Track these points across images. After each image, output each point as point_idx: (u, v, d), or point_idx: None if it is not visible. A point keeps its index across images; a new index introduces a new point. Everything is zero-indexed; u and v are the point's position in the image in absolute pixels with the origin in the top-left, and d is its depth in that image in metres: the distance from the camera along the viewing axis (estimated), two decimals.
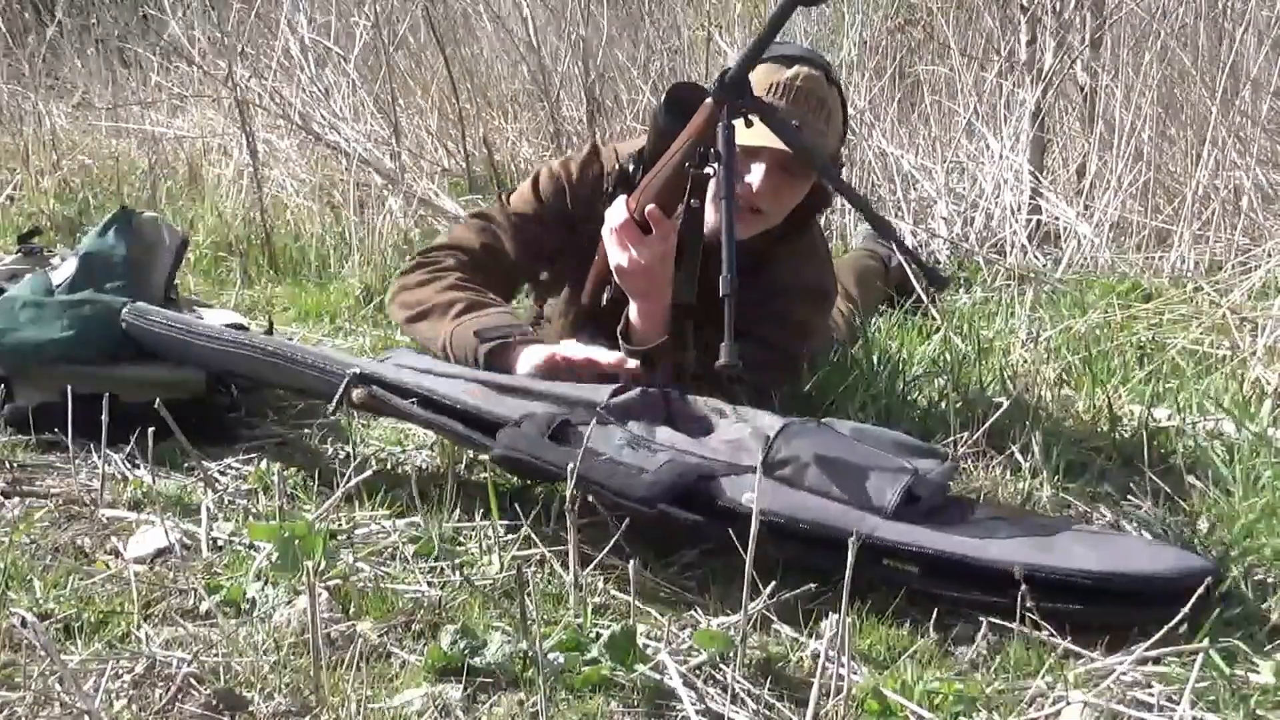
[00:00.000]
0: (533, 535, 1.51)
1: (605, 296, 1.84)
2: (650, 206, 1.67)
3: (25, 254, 2.36)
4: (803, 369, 2.03)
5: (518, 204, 1.98)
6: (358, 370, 1.67)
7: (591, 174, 1.96)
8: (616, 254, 1.71)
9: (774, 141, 1.71)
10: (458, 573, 1.44)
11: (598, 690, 1.19)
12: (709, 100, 1.58)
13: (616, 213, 1.72)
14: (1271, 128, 3.24)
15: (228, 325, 2.27)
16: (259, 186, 3.67)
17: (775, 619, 1.34)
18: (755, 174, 1.80)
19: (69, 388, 1.75)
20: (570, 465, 1.40)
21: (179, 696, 1.16)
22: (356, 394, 1.64)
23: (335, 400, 1.64)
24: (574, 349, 1.74)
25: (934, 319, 2.53)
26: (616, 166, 1.90)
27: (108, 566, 1.45)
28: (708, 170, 1.60)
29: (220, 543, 1.52)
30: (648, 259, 1.68)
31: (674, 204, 1.66)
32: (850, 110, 3.65)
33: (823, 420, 1.59)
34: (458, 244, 1.96)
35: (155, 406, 1.63)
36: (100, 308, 1.97)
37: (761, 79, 1.79)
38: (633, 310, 1.76)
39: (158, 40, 4.95)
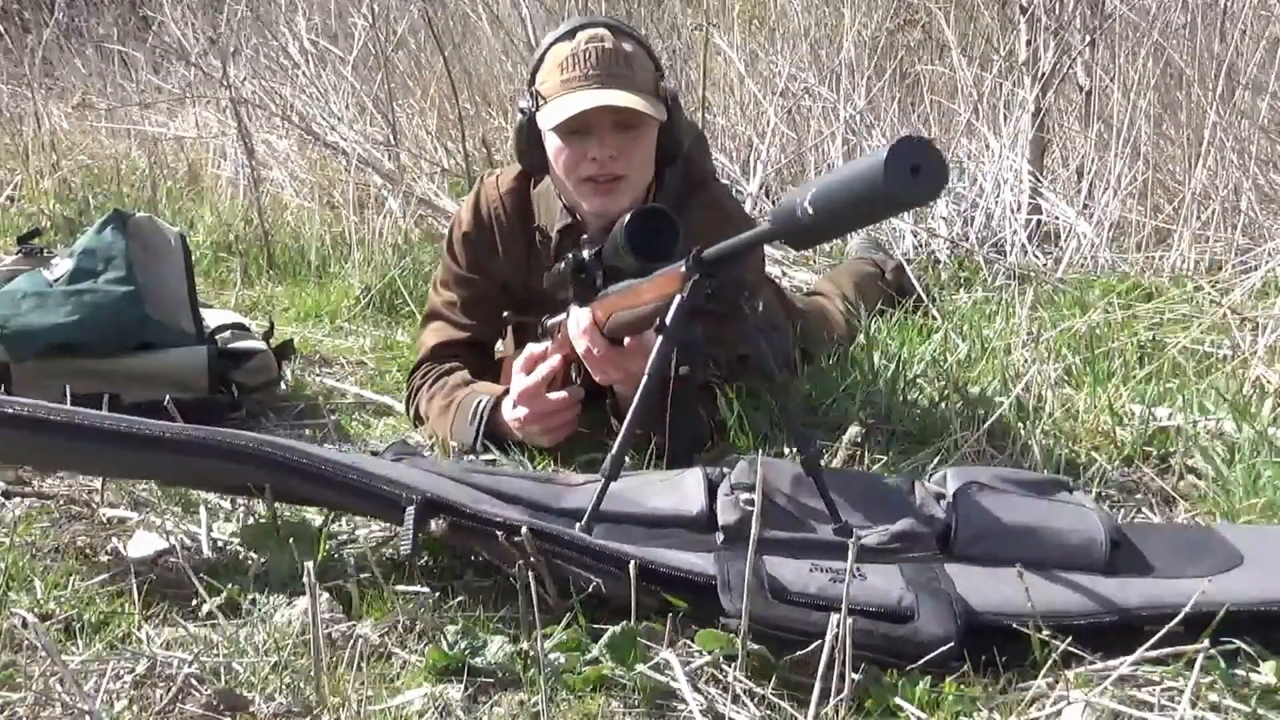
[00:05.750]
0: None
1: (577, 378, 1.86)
2: (629, 340, 1.69)
3: (25, 254, 2.36)
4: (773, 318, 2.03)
5: (446, 278, 2.08)
6: (427, 495, 1.35)
7: (485, 214, 2.02)
8: (596, 369, 1.73)
9: (593, 102, 1.76)
10: (458, 573, 1.43)
11: (598, 690, 1.19)
12: (681, 269, 1.48)
13: (584, 331, 1.71)
14: (1271, 128, 3.24)
15: (229, 324, 2.28)
16: (256, 186, 3.68)
17: None
18: (595, 146, 1.81)
19: (67, 387, 1.75)
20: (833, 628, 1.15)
21: (180, 697, 1.16)
22: (435, 526, 1.35)
23: (410, 538, 1.33)
24: (525, 383, 1.80)
25: (934, 319, 2.53)
26: (500, 199, 2.00)
27: (108, 567, 1.45)
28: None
29: (220, 543, 1.52)
30: (633, 369, 1.65)
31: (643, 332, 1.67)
32: (850, 110, 3.70)
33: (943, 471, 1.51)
34: (424, 358, 2.04)
35: (165, 405, 1.64)
36: (101, 295, 1.99)
37: (552, 64, 1.84)
38: (616, 388, 1.78)
39: (156, 41, 4.95)
